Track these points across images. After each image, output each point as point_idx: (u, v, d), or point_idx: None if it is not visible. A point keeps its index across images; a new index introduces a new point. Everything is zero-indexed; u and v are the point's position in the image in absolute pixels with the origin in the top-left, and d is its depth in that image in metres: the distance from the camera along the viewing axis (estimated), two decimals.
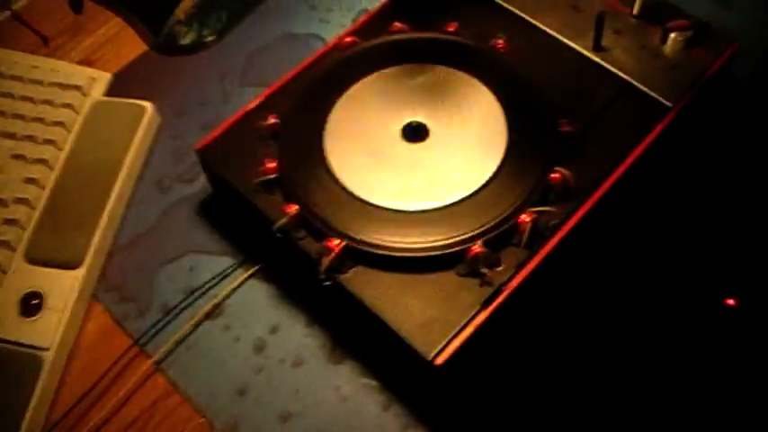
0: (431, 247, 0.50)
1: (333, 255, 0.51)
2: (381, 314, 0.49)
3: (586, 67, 0.60)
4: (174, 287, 0.58)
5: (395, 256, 0.51)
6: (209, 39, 0.72)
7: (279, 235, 0.53)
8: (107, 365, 0.54)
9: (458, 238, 0.50)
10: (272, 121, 0.57)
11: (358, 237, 0.51)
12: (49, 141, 0.63)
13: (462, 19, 0.62)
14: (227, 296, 0.58)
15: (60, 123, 0.65)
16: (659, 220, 0.57)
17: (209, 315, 0.57)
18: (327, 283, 0.51)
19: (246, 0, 0.73)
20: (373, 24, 0.63)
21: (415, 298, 0.50)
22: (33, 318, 0.55)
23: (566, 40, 0.61)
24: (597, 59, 0.60)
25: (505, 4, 0.63)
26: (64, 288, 0.56)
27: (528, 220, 0.51)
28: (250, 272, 0.58)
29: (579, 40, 0.61)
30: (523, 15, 0.63)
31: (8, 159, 0.62)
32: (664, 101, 0.57)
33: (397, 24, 0.62)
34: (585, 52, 0.60)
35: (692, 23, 0.60)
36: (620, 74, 0.59)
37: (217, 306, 0.57)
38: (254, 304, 0.57)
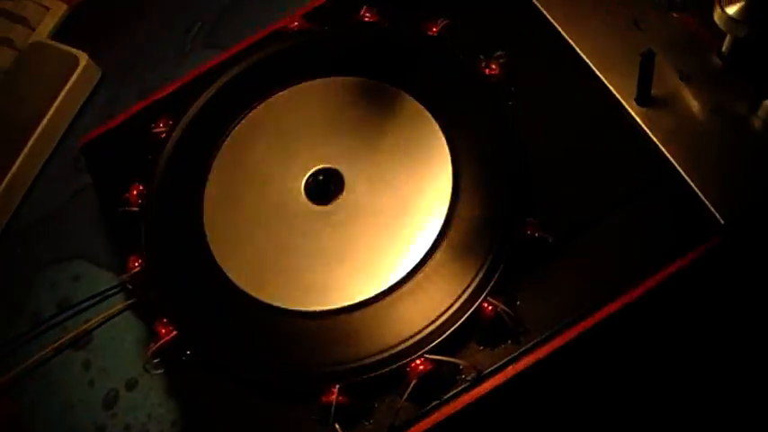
0: (273, 370, 0.36)
1: (160, 343, 0.38)
2: None
3: (615, 128, 0.39)
4: (52, 296, 0.50)
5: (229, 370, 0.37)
6: None
7: (128, 286, 0.41)
8: None
9: (307, 371, 0.35)
10: (161, 127, 0.43)
11: (196, 328, 0.38)
12: None
13: (458, 17, 0.42)
14: (98, 325, 0.48)
15: None
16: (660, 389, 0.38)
17: (75, 342, 0.48)
18: (155, 371, 0.39)
19: None
20: (337, 5, 0.45)
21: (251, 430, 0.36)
22: None
23: (600, 76, 0.40)
24: (636, 118, 0.39)
25: (536, 2, 0.42)
26: None
27: (420, 369, 0.34)
28: (126, 303, 0.48)
29: (622, 79, 0.39)
30: (553, 23, 0.42)
31: None
32: (716, 213, 0.36)
33: (366, 13, 0.44)
34: (623, 102, 0.39)
35: None
36: (663, 149, 0.37)
37: (86, 333, 0.48)
38: (121, 344, 0.47)
